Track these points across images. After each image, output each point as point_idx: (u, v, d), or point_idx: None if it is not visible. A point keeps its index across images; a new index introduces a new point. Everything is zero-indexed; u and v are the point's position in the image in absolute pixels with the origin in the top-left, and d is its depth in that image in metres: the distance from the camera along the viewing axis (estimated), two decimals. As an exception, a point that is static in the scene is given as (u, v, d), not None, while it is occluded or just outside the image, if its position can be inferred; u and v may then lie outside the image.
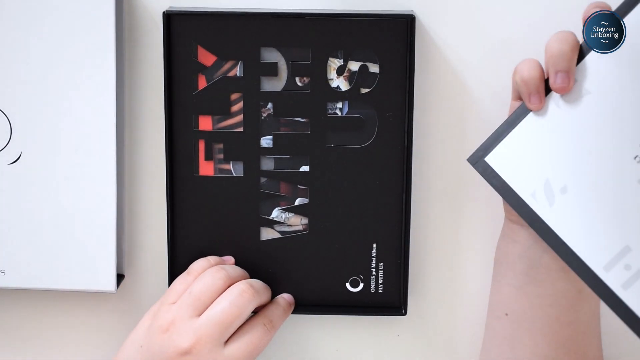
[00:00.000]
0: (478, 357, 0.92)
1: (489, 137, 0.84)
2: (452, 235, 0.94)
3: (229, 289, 0.88)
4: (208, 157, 0.91)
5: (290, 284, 0.93)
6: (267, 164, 0.91)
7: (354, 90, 0.90)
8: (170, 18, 0.89)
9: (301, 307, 0.93)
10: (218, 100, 0.90)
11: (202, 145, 0.91)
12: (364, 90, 0.90)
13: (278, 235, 0.93)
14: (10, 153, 0.91)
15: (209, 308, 0.87)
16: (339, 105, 0.90)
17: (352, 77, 0.90)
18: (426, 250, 0.95)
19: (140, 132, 0.93)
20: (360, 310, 0.93)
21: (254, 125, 0.90)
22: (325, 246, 0.92)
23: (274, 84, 0.90)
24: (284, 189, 0.92)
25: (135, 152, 0.94)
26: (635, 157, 0.80)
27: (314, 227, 0.92)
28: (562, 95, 0.82)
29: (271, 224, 0.92)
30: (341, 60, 0.89)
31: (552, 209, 0.82)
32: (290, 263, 0.93)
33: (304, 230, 0.92)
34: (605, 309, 0.82)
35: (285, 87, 0.90)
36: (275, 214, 0.92)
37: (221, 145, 0.91)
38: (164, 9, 0.89)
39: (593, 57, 0.81)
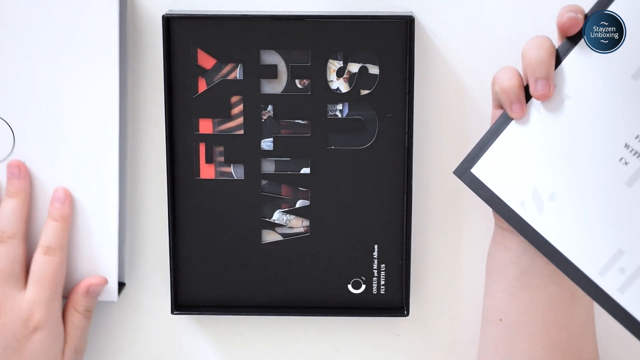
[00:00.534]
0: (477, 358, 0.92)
1: (473, 148, 0.84)
2: (453, 235, 0.94)
3: None
4: (209, 160, 0.91)
5: (292, 286, 0.93)
6: (268, 167, 0.91)
7: (354, 91, 0.90)
8: (170, 22, 0.89)
9: (303, 309, 0.93)
10: (218, 103, 0.90)
11: (202, 148, 0.91)
12: (364, 92, 0.90)
13: (279, 238, 0.93)
14: None
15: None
16: (339, 107, 0.90)
17: (352, 79, 0.90)
18: (428, 251, 0.95)
19: (140, 135, 0.93)
20: (363, 312, 0.93)
21: (254, 128, 0.90)
22: (327, 248, 0.92)
23: (274, 87, 0.90)
24: (285, 191, 0.92)
25: (136, 155, 0.94)
26: (620, 159, 0.79)
27: (315, 229, 0.92)
28: (542, 102, 0.81)
29: (272, 226, 0.92)
30: (341, 62, 0.89)
31: (542, 217, 0.81)
32: (292, 265, 0.93)
33: (305, 232, 0.92)
34: (599, 310, 0.82)
35: (285, 90, 0.90)
36: (277, 216, 0.92)
37: (222, 148, 0.91)
38: (164, 13, 0.89)
39: (570, 61, 0.81)
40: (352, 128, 0.90)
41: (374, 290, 0.93)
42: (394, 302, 0.93)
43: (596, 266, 0.80)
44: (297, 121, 0.90)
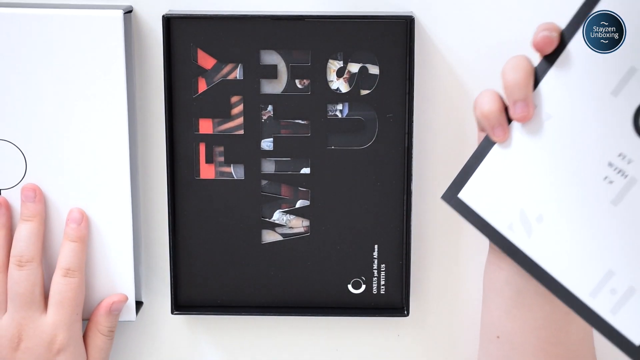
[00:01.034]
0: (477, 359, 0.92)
1: (459, 172, 0.82)
2: (453, 235, 0.94)
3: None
4: (209, 160, 0.91)
5: (292, 286, 0.93)
6: (268, 167, 0.91)
7: (354, 91, 0.90)
8: (170, 22, 0.89)
9: (303, 309, 0.93)
10: (218, 103, 0.90)
11: (202, 148, 0.91)
12: (364, 92, 0.90)
13: (279, 238, 0.93)
14: None
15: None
16: (339, 107, 0.90)
17: (352, 79, 0.90)
18: (428, 251, 0.95)
19: (141, 135, 0.93)
20: (363, 312, 0.93)
21: (254, 128, 0.90)
22: (327, 248, 0.92)
23: (274, 87, 0.90)
24: (285, 191, 0.92)
25: (136, 156, 0.93)
26: (605, 178, 0.78)
27: (315, 229, 0.92)
28: (524, 124, 0.81)
29: (272, 226, 0.92)
30: (341, 62, 0.89)
31: (531, 239, 0.80)
32: (292, 265, 0.93)
33: (305, 232, 0.92)
34: None
35: (285, 90, 0.90)
36: (277, 216, 0.92)
37: (222, 148, 0.91)
38: (164, 13, 0.89)
39: (549, 80, 0.79)
40: (352, 128, 0.90)
41: (374, 290, 0.93)
42: (394, 302, 0.93)
43: (587, 288, 0.79)
44: (297, 121, 0.90)
